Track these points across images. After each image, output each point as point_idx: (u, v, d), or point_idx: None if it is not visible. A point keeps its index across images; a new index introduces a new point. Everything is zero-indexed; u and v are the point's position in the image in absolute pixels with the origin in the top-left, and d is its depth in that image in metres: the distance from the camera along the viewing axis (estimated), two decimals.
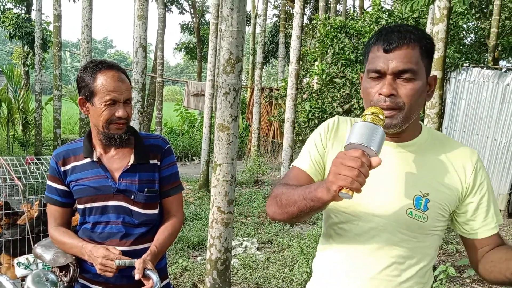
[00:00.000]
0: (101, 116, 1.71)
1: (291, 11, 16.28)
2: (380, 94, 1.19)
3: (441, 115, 5.00)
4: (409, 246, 1.25)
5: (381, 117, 1.10)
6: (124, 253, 1.76)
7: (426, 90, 1.25)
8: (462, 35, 9.93)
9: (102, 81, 1.70)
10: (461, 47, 8.89)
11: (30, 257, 2.48)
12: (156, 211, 1.87)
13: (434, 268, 4.34)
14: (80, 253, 1.75)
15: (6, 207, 3.07)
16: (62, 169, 1.80)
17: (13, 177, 2.95)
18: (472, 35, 10.66)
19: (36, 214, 2.98)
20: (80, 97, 1.77)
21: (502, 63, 10.07)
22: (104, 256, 1.66)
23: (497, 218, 1.29)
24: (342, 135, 1.35)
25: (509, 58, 9.82)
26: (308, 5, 18.43)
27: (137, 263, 1.65)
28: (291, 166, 1.40)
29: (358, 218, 1.27)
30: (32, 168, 3.34)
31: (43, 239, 1.97)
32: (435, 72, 4.23)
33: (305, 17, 18.02)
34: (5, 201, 3.07)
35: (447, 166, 1.27)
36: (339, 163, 1.02)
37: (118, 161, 1.81)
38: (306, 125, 8.21)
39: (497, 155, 7.07)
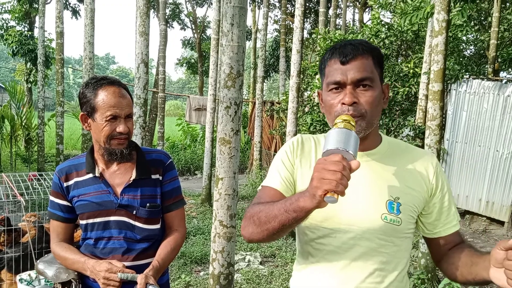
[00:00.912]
0: (102, 132, 1.72)
1: (291, 26, 16.40)
2: (343, 103, 1.24)
3: (442, 126, 5.01)
4: (388, 251, 1.29)
5: (352, 123, 1.15)
6: (127, 268, 1.76)
7: (382, 97, 1.32)
8: (461, 47, 9.97)
9: (103, 97, 1.71)
10: (461, 59, 8.93)
11: (33, 273, 2.47)
12: (158, 226, 1.87)
13: (439, 281, 4.30)
14: (82, 269, 1.75)
15: (7, 223, 3.07)
16: (65, 184, 1.81)
17: (15, 193, 2.96)
18: (471, 47, 10.71)
19: (33, 232, 2.97)
20: (81, 113, 1.79)
21: (502, 74, 10.10)
22: (107, 270, 1.66)
23: (457, 216, 1.38)
24: (308, 151, 1.39)
25: (509, 70, 9.84)
26: (308, 19, 18.59)
27: (139, 278, 1.65)
28: (260, 187, 1.41)
29: (335, 230, 1.29)
30: (34, 184, 3.35)
31: (45, 255, 1.97)
32: (435, 84, 4.26)
33: (305, 31, 18.17)
34: (7, 217, 3.07)
35: (411, 170, 1.33)
36: (321, 168, 1.04)
37: (120, 176, 1.82)
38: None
39: (500, 166, 7.05)
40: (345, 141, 1.07)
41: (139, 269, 1.73)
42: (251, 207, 1.30)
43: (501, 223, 7.13)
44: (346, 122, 1.14)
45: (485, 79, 7.39)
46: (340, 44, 1.29)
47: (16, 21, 15.72)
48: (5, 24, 15.58)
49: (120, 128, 1.73)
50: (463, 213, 7.75)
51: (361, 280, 1.28)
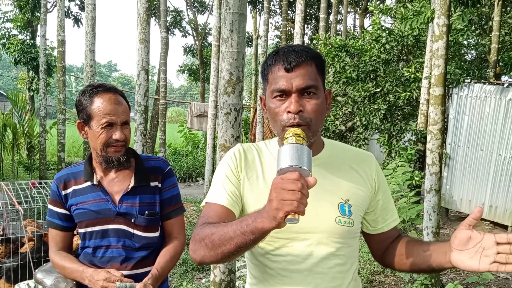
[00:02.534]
0: (98, 139, 1.72)
1: (292, 32, 16.45)
2: (289, 112, 1.21)
3: (444, 131, 4.99)
4: (343, 253, 1.30)
5: (302, 136, 1.11)
6: (125, 277, 1.74)
7: (325, 104, 1.31)
8: (462, 52, 9.98)
9: (98, 104, 1.70)
10: (462, 63, 8.93)
11: (31, 282, 2.45)
12: (157, 234, 1.86)
13: (443, 286, 4.27)
14: (80, 278, 1.74)
15: (3, 233, 3.05)
16: (63, 192, 1.80)
17: (13, 202, 2.95)
18: (473, 51, 10.72)
19: (32, 242, 2.96)
20: (78, 121, 1.78)
21: (503, 78, 10.09)
22: (105, 279, 1.64)
23: (395, 211, 1.43)
24: (251, 161, 1.36)
25: (511, 73, 9.84)
26: (308, 25, 18.65)
27: (138, 287, 1.63)
28: (204, 204, 1.34)
29: (292, 239, 1.26)
30: (33, 192, 3.35)
31: (44, 264, 1.96)
32: (436, 88, 4.24)
33: (306, 37, 18.22)
34: (3, 227, 3.06)
35: (355, 171, 1.36)
36: (279, 189, 0.99)
37: (118, 184, 1.81)
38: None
39: (502, 170, 7.01)
40: (299, 157, 1.03)
41: (138, 278, 1.72)
42: (200, 229, 1.20)
43: (505, 227, 7.08)
44: (297, 136, 1.09)
45: (487, 83, 7.37)
46: (284, 50, 1.26)
47: (18, 30, 15.80)
48: (7, 33, 15.66)
49: (116, 135, 1.72)
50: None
51: (324, 286, 1.28)
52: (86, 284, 1.72)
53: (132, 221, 1.78)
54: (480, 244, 1.10)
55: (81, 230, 1.80)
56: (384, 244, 1.42)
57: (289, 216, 0.99)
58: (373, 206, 1.38)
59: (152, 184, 1.83)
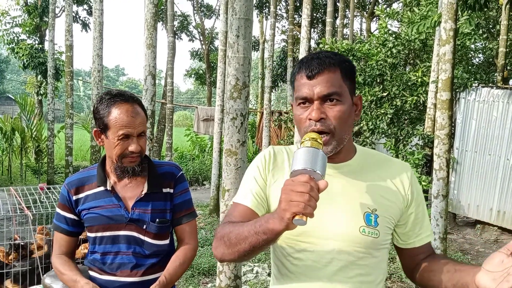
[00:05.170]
0: (114, 150, 1.71)
1: (299, 36, 16.45)
2: (310, 119, 1.22)
3: (451, 135, 4.97)
4: (366, 263, 1.27)
5: (320, 141, 1.13)
6: (135, 283, 1.75)
7: (354, 110, 1.30)
8: (470, 55, 9.93)
9: (116, 115, 1.69)
10: (469, 67, 8.89)
11: (39, 287, 2.47)
12: (167, 241, 1.86)
13: None
14: (73, 287, 1.74)
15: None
16: (74, 197, 1.80)
17: (22, 207, 2.97)
18: (480, 55, 10.67)
19: (46, 249, 2.99)
20: (95, 129, 1.78)
21: (511, 82, 10.02)
22: None
23: (430, 227, 1.38)
24: (280, 164, 1.37)
25: None
26: (315, 29, 18.64)
27: None
28: (231, 203, 1.38)
29: (313, 244, 1.27)
30: (42, 197, 3.37)
31: (52, 270, 1.97)
32: (443, 93, 4.23)
33: (313, 41, 18.22)
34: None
35: (386, 181, 1.32)
36: (288, 190, 1.02)
37: (131, 189, 1.80)
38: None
39: (510, 175, 6.96)
40: (313, 161, 1.05)
41: (148, 284, 1.73)
42: (221, 227, 1.26)
43: None
44: (313, 140, 1.12)
45: (494, 87, 7.33)
46: (308, 58, 1.27)
47: (27, 35, 15.97)
48: (16, 38, 15.82)
49: (132, 147, 1.71)
50: (474, 223, 7.64)
51: None
52: None
53: (144, 228, 1.78)
54: (509, 269, 1.05)
55: (91, 235, 1.80)
56: (415, 259, 1.37)
57: (296, 217, 1.01)
58: (405, 219, 1.33)
59: (164, 190, 1.83)
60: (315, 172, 1.04)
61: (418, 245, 1.35)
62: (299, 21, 17.19)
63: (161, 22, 17.53)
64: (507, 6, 8.12)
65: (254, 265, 5.24)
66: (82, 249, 3.02)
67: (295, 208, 1.00)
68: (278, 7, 17.91)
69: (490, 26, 10.14)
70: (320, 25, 18.43)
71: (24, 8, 15.54)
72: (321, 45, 8.98)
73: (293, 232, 1.23)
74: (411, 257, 1.37)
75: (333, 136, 1.23)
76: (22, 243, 3.06)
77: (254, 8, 7.86)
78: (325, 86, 1.21)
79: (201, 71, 22.67)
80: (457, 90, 7.50)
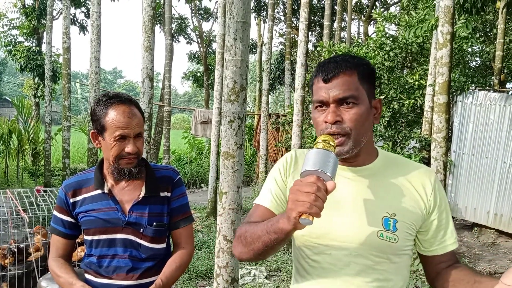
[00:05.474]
0: (111, 151, 1.72)
1: (296, 39, 16.49)
2: (326, 122, 1.24)
3: (448, 138, 4.98)
4: (384, 268, 1.26)
5: (332, 143, 1.15)
6: (131, 287, 1.74)
7: (373, 113, 1.29)
8: (467, 59, 9.96)
9: (112, 116, 1.70)
10: (466, 71, 8.91)
11: None
12: (163, 245, 1.85)
13: None
14: None
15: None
16: (71, 200, 1.80)
17: (18, 209, 2.96)
18: (477, 59, 10.70)
19: (43, 252, 2.97)
20: (92, 130, 1.78)
21: (508, 85, 10.06)
22: None
23: (455, 234, 1.34)
24: (301, 166, 1.37)
25: None
26: (313, 32, 18.67)
27: None
28: (254, 204, 1.42)
29: (330, 247, 1.27)
30: (38, 200, 3.36)
31: (48, 273, 1.96)
32: (441, 96, 4.24)
33: (311, 44, 18.24)
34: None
35: (408, 186, 1.30)
36: (296, 190, 1.05)
37: (129, 193, 1.80)
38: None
39: (508, 178, 6.98)
40: (323, 162, 1.07)
41: None
42: (240, 227, 1.31)
43: (510, 235, 7.03)
44: (325, 142, 1.14)
45: (491, 91, 7.36)
46: (325, 62, 1.28)
47: (24, 37, 15.94)
48: (13, 40, 15.80)
49: (129, 148, 1.72)
50: (471, 226, 7.66)
51: None
52: None
53: (141, 231, 1.77)
54: None
55: (88, 238, 1.80)
56: (437, 268, 1.35)
57: (302, 217, 1.04)
58: (427, 226, 1.31)
59: (162, 194, 1.83)
60: (324, 173, 1.06)
61: (440, 253, 1.33)
62: (297, 24, 17.22)
63: (159, 25, 17.53)
64: (504, 10, 8.16)
65: (251, 268, 5.23)
66: (79, 252, 3.01)
67: (301, 208, 1.03)
68: (276, 10, 17.94)
69: (487, 30, 10.17)
70: (317, 28, 18.46)
71: (21, 10, 15.51)
72: (318, 48, 8.99)
73: (311, 234, 1.26)
74: (434, 265, 1.35)
75: (349, 137, 1.23)
76: (21, 246, 3.06)
77: (252, 11, 7.87)
78: (340, 89, 1.22)
79: (198, 74, 22.66)
80: (454, 93, 7.52)
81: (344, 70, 1.23)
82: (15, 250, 3.01)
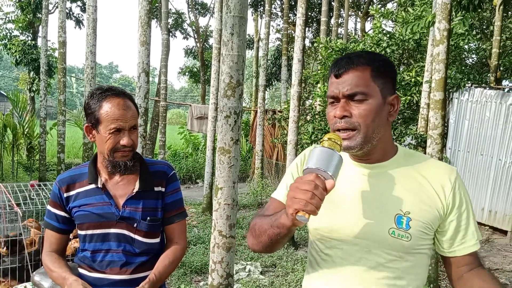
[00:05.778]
0: (105, 144, 1.70)
1: (293, 35, 16.46)
2: (335, 116, 1.24)
3: (444, 135, 4.98)
4: (396, 267, 1.25)
5: (338, 142, 1.15)
6: (124, 281, 1.74)
7: (387, 110, 1.27)
8: (463, 56, 9.98)
9: (107, 109, 1.69)
10: (463, 68, 8.93)
11: (29, 285, 2.45)
12: (157, 240, 1.85)
13: None
14: (62, 285, 1.73)
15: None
16: (65, 195, 1.79)
17: (12, 203, 2.95)
18: (473, 56, 10.73)
19: (37, 247, 2.96)
20: (86, 124, 1.77)
21: (504, 83, 10.09)
22: None
23: (477, 235, 1.29)
24: None
25: (511, 78, 9.84)
26: (310, 28, 18.65)
27: None
28: (270, 198, 1.45)
29: (342, 242, 1.28)
30: (32, 194, 3.34)
31: (42, 267, 1.95)
32: (437, 93, 4.24)
33: (307, 40, 18.22)
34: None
35: (425, 185, 1.27)
36: (294, 187, 1.07)
37: (123, 187, 1.79)
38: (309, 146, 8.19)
39: (502, 175, 7.01)
40: (325, 161, 1.08)
41: (137, 283, 1.72)
42: (253, 219, 1.35)
43: (504, 232, 7.07)
44: (331, 140, 1.14)
45: (487, 88, 7.38)
46: (339, 58, 1.28)
47: (20, 31, 15.84)
48: (8, 34, 15.70)
49: (124, 141, 1.70)
50: None
51: None
52: None
53: (134, 226, 1.77)
54: None
55: (81, 232, 1.79)
56: (459, 271, 1.30)
57: (299, 214, 1.05)
58: (445, 226, 1.28)
59: (156, 189, 1.82)
60: (325, 172, 1.06)
61: (460, 254, 1.29)
62: (294, 20, 17.18)
63: (155, 20, 17.46)
64: (501, 7, 8.17)
65: (246, 264, 5.24)
66: (73, 243, 2.99)
67: (297, 205, 1.04)
68: (273, 5, 17.90)
69: (484, 27, 10.19)
70: (314, 24, 18.43)
71: (17, 4, 15.40)
72: (315, 44, 8.97)
73: (324, 228, 1.29)
74: (455, 267, 1.31)
75: (358, 132, 1.22)
76: (14, 239, 3.04)
77: (248, 6, 7.83)
78: (349, 84, 1.22)
79: (195, 69, 22.61)
80: (450, 90, 7.53)
81: (356, 66, 1.23)
82: (12, 241, 3.00)
